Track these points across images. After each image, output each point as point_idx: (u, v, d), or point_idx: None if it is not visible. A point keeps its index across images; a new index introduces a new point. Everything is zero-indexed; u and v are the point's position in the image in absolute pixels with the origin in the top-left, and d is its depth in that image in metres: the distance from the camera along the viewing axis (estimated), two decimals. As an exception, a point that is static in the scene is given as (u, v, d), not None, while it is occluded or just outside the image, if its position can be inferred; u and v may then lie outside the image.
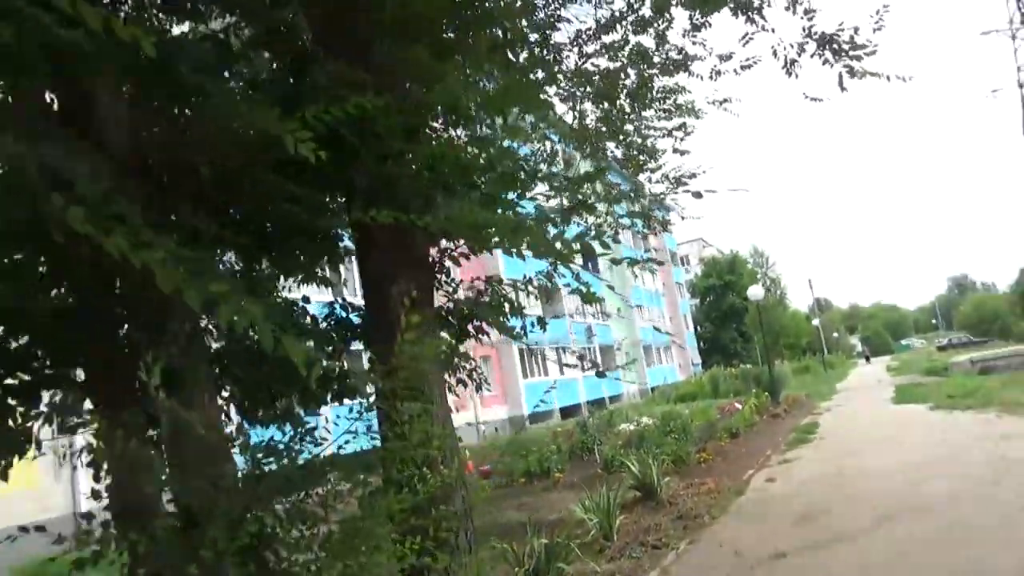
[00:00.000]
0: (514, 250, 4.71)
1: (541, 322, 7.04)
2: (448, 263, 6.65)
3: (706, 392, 35.29)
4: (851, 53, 5.82)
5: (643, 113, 8.70)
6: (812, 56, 6.11)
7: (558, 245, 7.98)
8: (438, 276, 6.72)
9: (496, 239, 4.56)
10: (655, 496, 9.08)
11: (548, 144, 9.30)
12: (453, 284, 7.01)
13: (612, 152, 9.36)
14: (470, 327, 6.82)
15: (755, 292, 22.10)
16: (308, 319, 5.94)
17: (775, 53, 6.29)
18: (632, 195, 10.26)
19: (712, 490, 9.54)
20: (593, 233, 10.71)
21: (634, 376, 48.75)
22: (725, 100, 9.07)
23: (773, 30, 6.16)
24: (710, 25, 6.39)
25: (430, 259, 6.35)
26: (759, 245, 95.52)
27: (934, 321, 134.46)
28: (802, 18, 5.95)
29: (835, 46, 5.88)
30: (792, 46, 6.24)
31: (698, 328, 72.95)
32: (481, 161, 5.08)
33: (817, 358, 59.64)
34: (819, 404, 22.46)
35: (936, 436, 11.95)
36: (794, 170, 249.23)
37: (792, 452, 12.48)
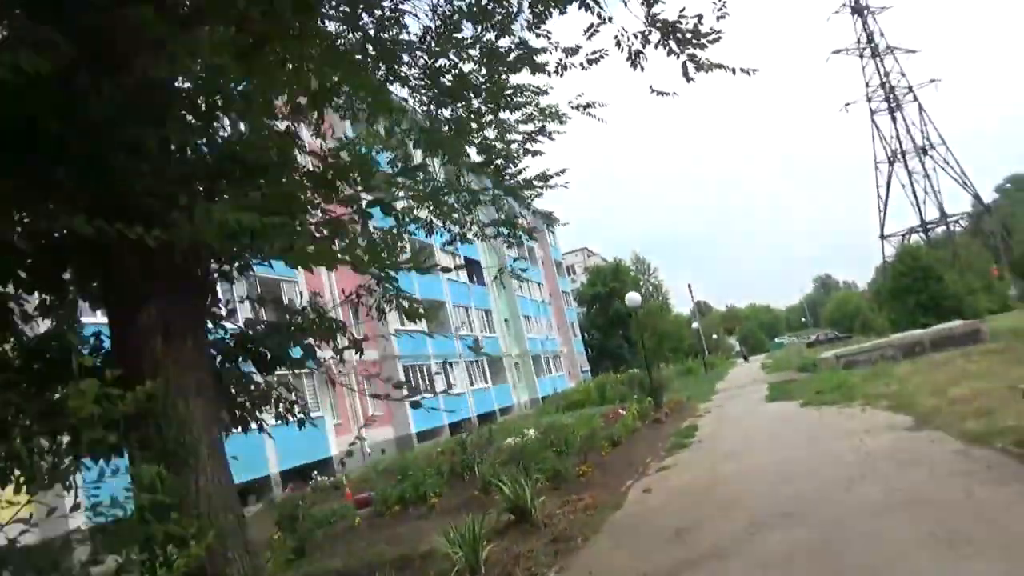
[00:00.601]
0: (300, 265, 4.06)
1: (356, 344, 6.23)
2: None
3: (594, 399, 35.43)
4: (694, 41, 5.62)
5: (500, 115, 8.24)
6: (656, 47, 5.87)
7: (404, 257, 7.35)
8: (217, 297, 5.79)
9: (273, 249, 3.82)
10: (530, 518, 8.59)
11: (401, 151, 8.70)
12: (227, 307, 6.01)
13: (469, 157, 8.84)
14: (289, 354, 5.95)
15: (632, 299, 22.32)
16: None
17: (619, 44, 5.99)
18: (493, 201, 9.77)
19: (589, 506, 9.16)
20: (455, 242, 10.21)
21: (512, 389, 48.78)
22: (589, 105, 8.76)
23: (610, 19, 5.84)
24: (551, 15, 5.99)
25: (200, 276, 5.29)
26: (640, 253, 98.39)
27: (803, 319, 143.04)
28: (643, 4, 5.67)
29: (678, 35, 5.66)
30: (636, 36, 5.96)
31: (585, 336, 74.10)
32: (274, 157, 4.38)
33: (699, 360, 61.64)
34: (699, 406, 22.85)
35: (806, 434, 12.14)
36: (665, 173, 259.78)
37: (671, 458, 12.36)
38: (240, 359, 5.68)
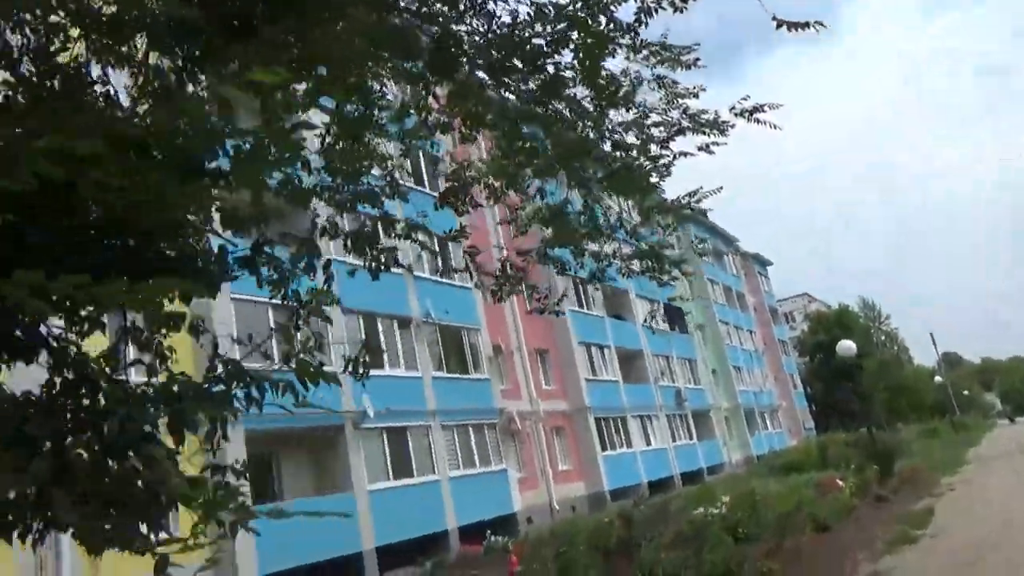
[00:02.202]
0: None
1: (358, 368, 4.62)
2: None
3: (814, 461, 31.32)
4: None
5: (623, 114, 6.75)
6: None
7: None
8: None
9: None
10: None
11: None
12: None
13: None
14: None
15: (846, 347, 18.85)
16: None
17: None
18: (634, 230, 8.14)
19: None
20: (593, 281, 8.68)
21: (735, 443, 44.83)
22: (757, 109, 6.97)
23: None
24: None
25: None
26: (869, 297, 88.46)
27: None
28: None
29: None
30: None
31: (808, 389, 67.48)
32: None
33: (946, 420, 53.25)
34: (942, 480, 18.77)
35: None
36: (901, 214, 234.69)
37: (889, 559, 9.57)
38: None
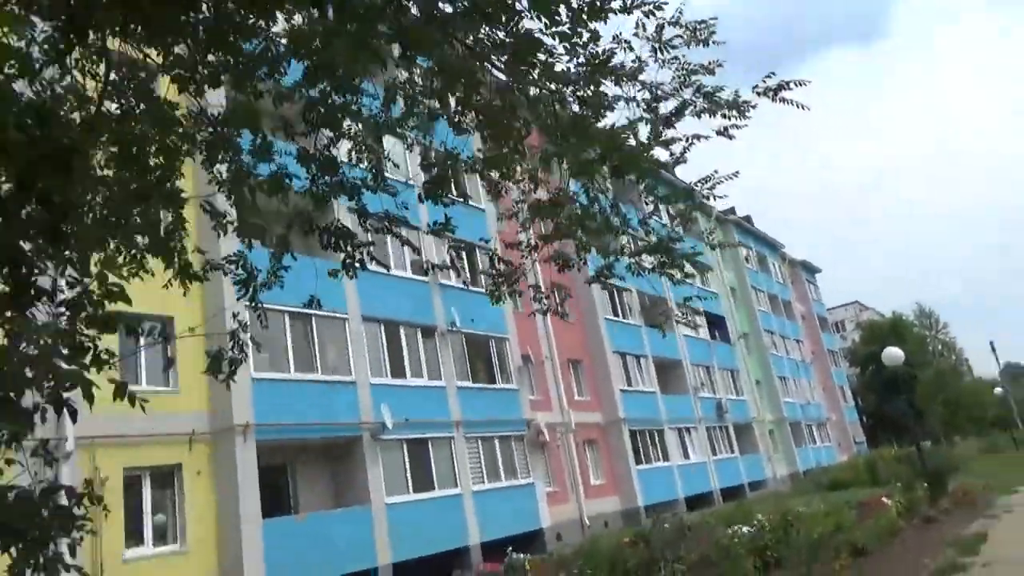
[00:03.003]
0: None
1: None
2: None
3: (863, 478, 29.82)
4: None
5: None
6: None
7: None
8: None
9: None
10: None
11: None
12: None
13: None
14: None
15: (893, 355, 17.47)
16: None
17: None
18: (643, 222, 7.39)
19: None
20: (601, 278, 7.95)
21: (780, 456, 43.16)
22: (782, 87, 6.25)
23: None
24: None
25: None
26: (926, 304, 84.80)
27: None
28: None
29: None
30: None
31: (859, 401, 65.07)
32: None
33: (1009, 435, 50.53)
34: (998, 500, 17.40)
35: None
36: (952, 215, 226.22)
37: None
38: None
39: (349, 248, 6.47)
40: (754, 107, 6.50)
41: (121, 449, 13.63)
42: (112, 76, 5.19)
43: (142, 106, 5.47)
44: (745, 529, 13.07)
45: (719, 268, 45.82)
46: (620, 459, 28.00)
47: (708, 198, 7.09)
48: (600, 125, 6.26)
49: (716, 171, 6.95)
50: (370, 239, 6.62)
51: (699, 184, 7.00)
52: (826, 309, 69.76)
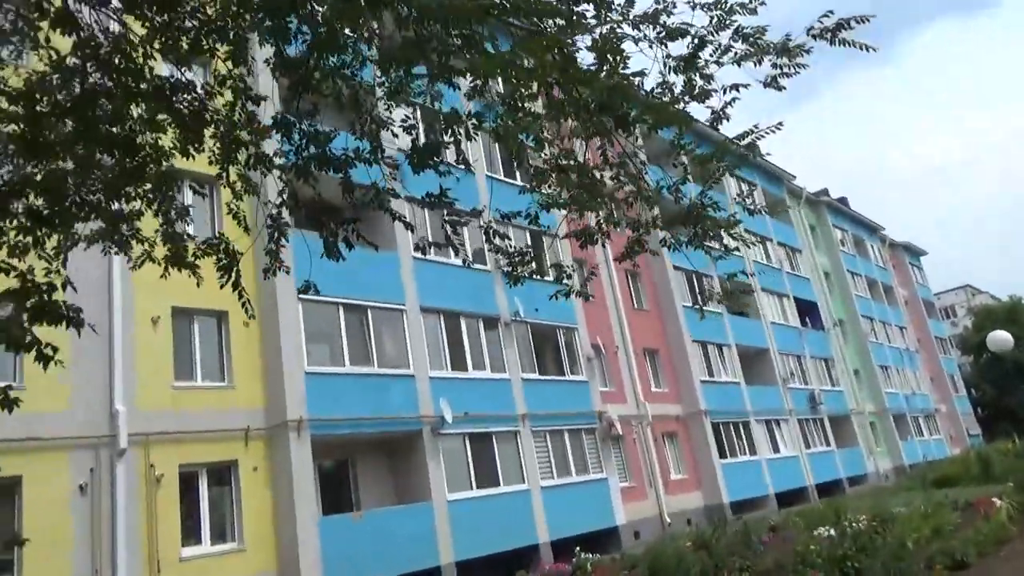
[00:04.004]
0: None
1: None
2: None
3: (974, 474, 27.23)
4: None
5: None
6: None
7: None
8: None
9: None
10: None
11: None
12: None
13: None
14: None
15: (1000, 340, 15.38)
16: None
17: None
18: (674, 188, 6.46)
19: None
20: (629, 257, 7.04)
21: (883, 450, 40.39)
22: (842, 26, 5.36)
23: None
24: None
25: None
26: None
27: None
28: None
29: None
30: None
31: (973, 392, 60.44)
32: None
33: None
34: None
35: None
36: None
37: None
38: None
39: (332, 225, 5.83)
40: (808, 51, 5.49)
41: (176, 446, 13.60)
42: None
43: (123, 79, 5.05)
44: (831, 532, 11.82)
45: (810, 252, 43.28)
46: (703, 453, 26.61)
47: (751, 155, 6.08)
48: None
49: (756, 125, 5.96)
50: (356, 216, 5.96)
51: (736, 141, 6.01)
52: (933, 294, 65.11)
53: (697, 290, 30.11)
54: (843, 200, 51.42)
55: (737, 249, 8.00)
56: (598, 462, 21.31)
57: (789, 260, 39.77)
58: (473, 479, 17.58)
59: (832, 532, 13.01)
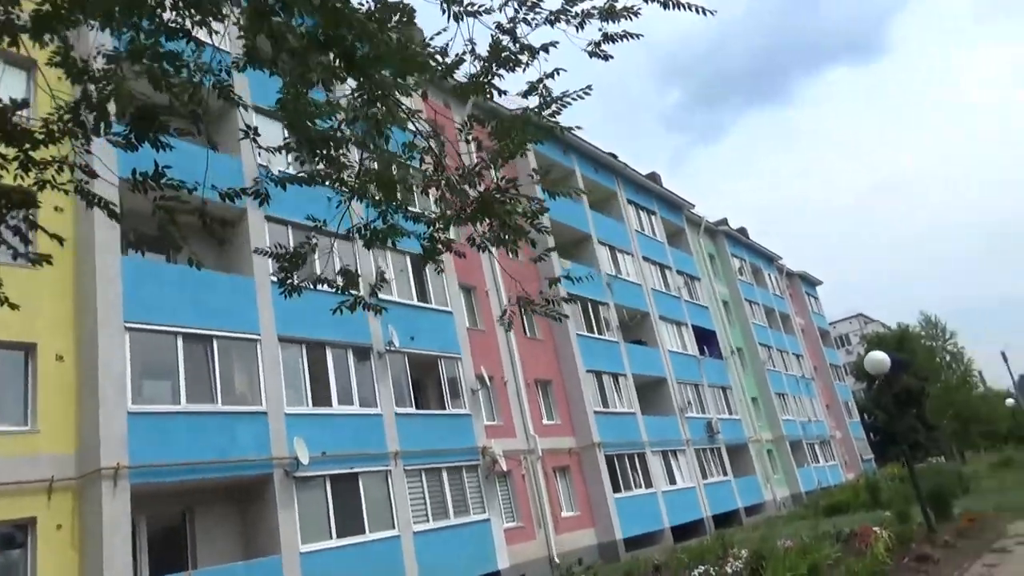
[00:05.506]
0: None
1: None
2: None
3: (863, 501, 27.32)
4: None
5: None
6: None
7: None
8: None
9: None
10: None
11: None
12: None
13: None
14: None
15: (876, 361, 14.81)
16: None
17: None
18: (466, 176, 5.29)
19: None
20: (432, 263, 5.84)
21: (780, 477, 40.54)
22: None
23: None
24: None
25: None
26: (933, 314, 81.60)
27: None
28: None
29: None
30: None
31: (866, 417, 62.30)
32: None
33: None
34: (1008, 527, 14.98)
35: None
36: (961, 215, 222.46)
37: None
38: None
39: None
40: (637, 14, 4.47)
41: (-45, 502, 11.45)
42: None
43: None
44: (711, 572, 10.85)
45: (709, 280, 43.62)
46: (596, 487, 25.57)
47: (555, 127, 4.98)
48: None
49: (567, 92, 4.89)
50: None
51: (535, 111, 4.91)
52: (828, 323, 67.24)
53: (592, 318, 29.41)
54: (742, 230, 52.40)
55: (547, 243, 6.91)
56: (480, 502, 19.91)
57: (688, 288, 39.80)
58: (333, 527, 15.85)
59: (713, 571, 12.14)
